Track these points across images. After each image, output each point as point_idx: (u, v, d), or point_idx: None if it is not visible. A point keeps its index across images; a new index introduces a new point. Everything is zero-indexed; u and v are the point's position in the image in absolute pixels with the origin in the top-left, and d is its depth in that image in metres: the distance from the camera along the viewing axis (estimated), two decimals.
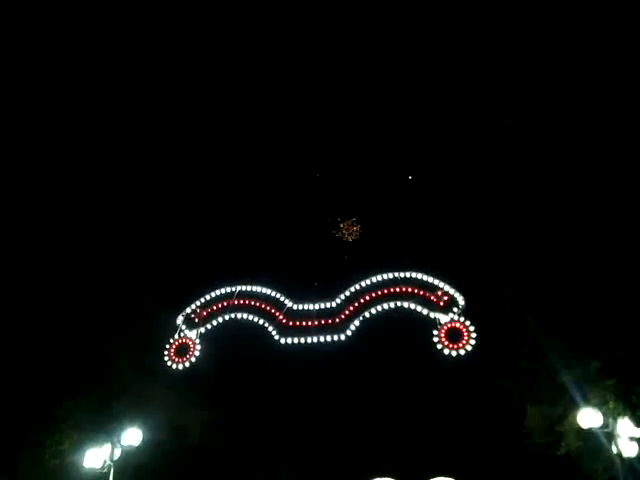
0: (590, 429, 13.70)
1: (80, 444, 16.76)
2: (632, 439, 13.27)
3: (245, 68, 22.32)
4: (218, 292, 19.29)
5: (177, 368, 18.40)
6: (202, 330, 18.93)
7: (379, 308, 17.97)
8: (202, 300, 19.29)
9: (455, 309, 17.62)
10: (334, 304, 18.42)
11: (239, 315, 18.79)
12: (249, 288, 19.17)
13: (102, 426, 17.10)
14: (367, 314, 18.01)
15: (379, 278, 18.43)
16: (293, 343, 18.00)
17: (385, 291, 18.18)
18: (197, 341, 18.68)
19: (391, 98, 21.79)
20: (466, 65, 20.80)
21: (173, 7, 21.98)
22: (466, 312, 17.60)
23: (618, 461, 13.25)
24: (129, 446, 15.38)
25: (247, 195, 22.05)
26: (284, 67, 22.67)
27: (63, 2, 20.98)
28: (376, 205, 21.13)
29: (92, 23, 22.03)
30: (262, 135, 22.32)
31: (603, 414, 13.60)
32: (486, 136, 19.70)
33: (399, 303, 17.95)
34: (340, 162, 21.80)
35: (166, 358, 18.57)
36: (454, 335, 17.13)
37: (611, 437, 13.41)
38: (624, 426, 13.38)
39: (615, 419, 13.63)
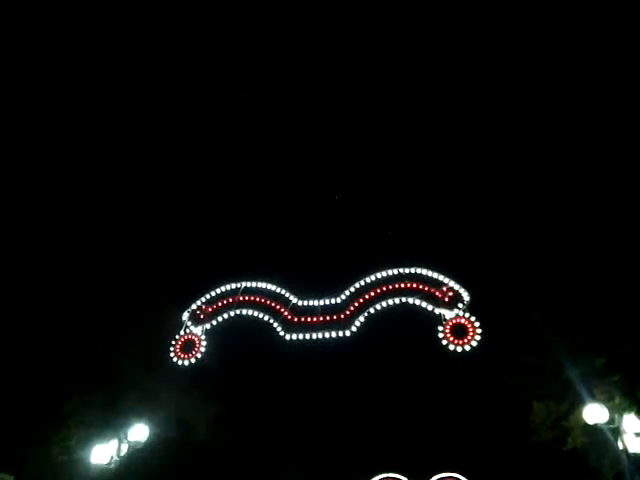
0: (596, 425, 13.67)
1: (87, 440, 16.89)
2: (638, 435, 13.24)
3: (246, 68, 22.27)
4: (223, 288, 19.31)
5: (183, 364, 18.44)
6: (207, 326, 18.98)
7: (384, 304, 17.93)
8: (207, 296, 19.33)
9: (460, 305, 17.52)
10: (339, 300, 18.40)
11: (244, 311, 18.82)
12: (254, 284, 19.19)
13: (109, 422, 17.20)
14: (372, 310, 17.98)
15: (384, 274, 18.38)
16: (298, 339, 18.01)
17: (390, 287, 18.13)
18: (203, 337, 18.73)
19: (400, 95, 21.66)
20: (466, 65, 20.69)
21: (172, 7, 21.92)
22: (471, 308, 17.54)
23: (624, 457, 13.24)
24: (136, 442, 15.55)
25: (251, 190, 22.02)
26: (285, 67, 22.57)
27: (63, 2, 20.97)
28: (381, 200, 21.09)
29: (92, 23, 22.01)
30: (263, 131, 22.25)
31: (609, 410, 13.55)
32: (487, 133, 19.60)
33: (404, 299, 17.91)
34: (343, 158, 21.71)
35: (172, 354, 18.64)
36: (459, 331, 17.06)
37: (617, 433, 13.40)
38: (630, 422, 13.37)
39: (621, 415, 13.62)
